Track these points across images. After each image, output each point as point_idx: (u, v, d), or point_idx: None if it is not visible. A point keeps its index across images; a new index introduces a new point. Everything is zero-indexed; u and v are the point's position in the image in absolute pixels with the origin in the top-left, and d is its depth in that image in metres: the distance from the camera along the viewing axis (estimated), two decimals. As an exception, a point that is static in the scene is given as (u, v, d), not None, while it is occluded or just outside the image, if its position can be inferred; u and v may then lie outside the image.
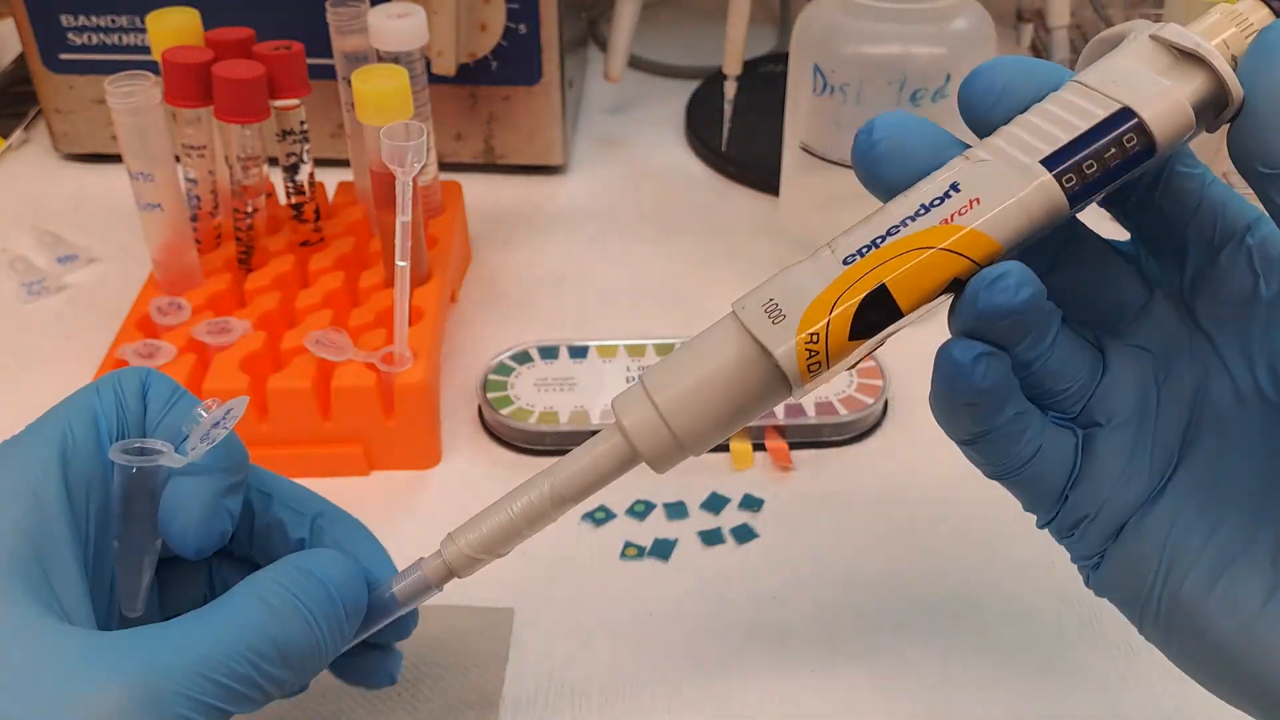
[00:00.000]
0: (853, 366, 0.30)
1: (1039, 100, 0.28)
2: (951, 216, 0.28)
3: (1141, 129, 0.26)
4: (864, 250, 0.29)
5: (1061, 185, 0.27)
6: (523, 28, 0.66)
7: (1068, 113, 0.27)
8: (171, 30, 0.53)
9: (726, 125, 0.72)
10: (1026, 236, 0.28)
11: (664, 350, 0.56)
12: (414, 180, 0.48)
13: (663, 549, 0.48)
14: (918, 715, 0.42)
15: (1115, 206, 0.31)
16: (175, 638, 0.28)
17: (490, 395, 0.53)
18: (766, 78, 0.80)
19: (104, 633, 0.29)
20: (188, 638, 0.28)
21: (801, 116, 0.57)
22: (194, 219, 0.56)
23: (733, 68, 0.70)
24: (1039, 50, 0.87)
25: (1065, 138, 0.27)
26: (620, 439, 0.31)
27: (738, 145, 0.73)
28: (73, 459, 0.31)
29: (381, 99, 0.50)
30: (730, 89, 0.71)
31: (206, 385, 0.49)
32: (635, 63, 0.82)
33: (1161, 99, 0.26)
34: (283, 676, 0.29)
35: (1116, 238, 0.32)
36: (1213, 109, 0.27)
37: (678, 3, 0.93)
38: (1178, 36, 0.27)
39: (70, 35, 0.67)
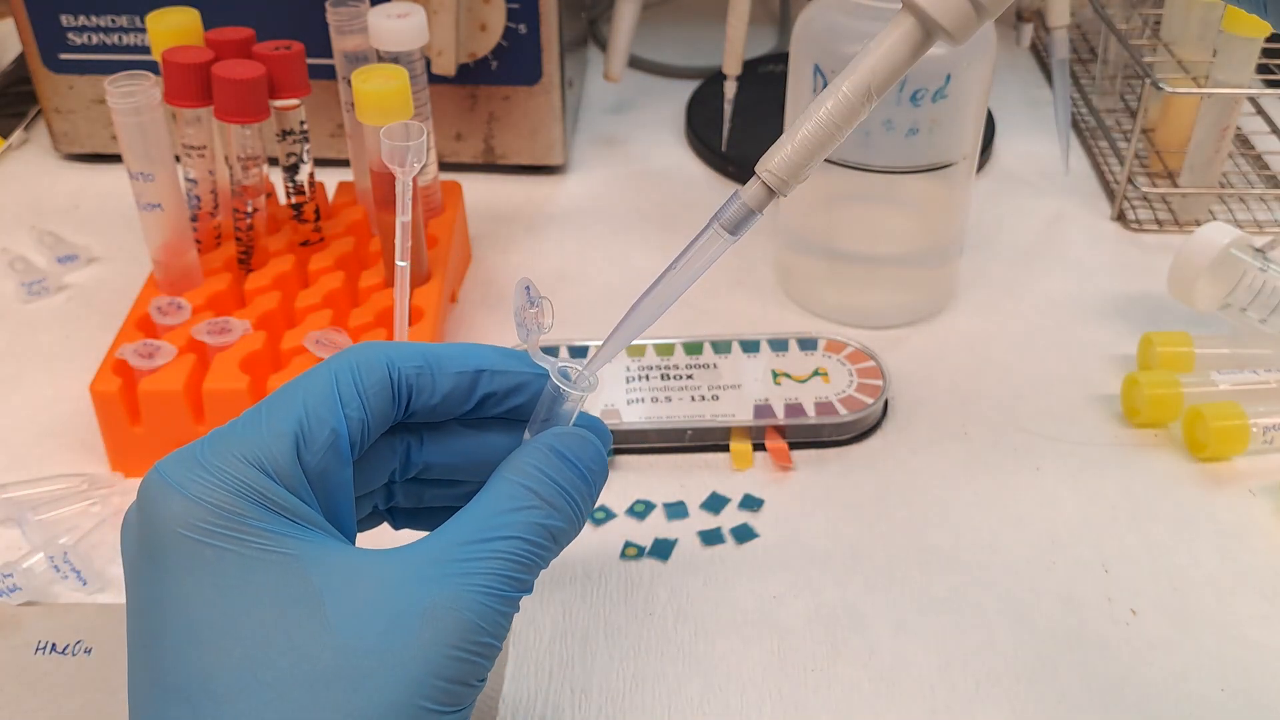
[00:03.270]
0: None
1: None
2: None
3: None
4: None
5: None
6: (523, 28, 0.66)
7: None
8: (171, 30, 0.53)
9: (726, 125, 0.72)
10: None
11: (664, 350, 0.56)
12: (414, 180, 0.48)
13: (663, 549, 0.48)
14: (917, 715, 0.42)
15: None
16: (468, 544, 0.31)
17: (490, 395, 0.53)
18: (766, 78, 0.80)
19: (405, 550, 0.31)
20: (479, 542, 0.31)
21: (802, 116, 0.57)
22: (194, 219, 0.56)
23: (733, 68, 0.70)
24: (1039, 50, 0.87)
25: None
26: (911, 21, 0.31)
27: (738, 145, 0.73)
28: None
29: (381, 99, 0.50)
30: (730, 89, 0.71)
31: (206, 385, 0.49)
32: (635, 63, 0.82)
33: None
34: (552, 552, 0.33)
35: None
36: None
37: (678, 3, 0.93)
38: None
39: (70, 35, 0.67)
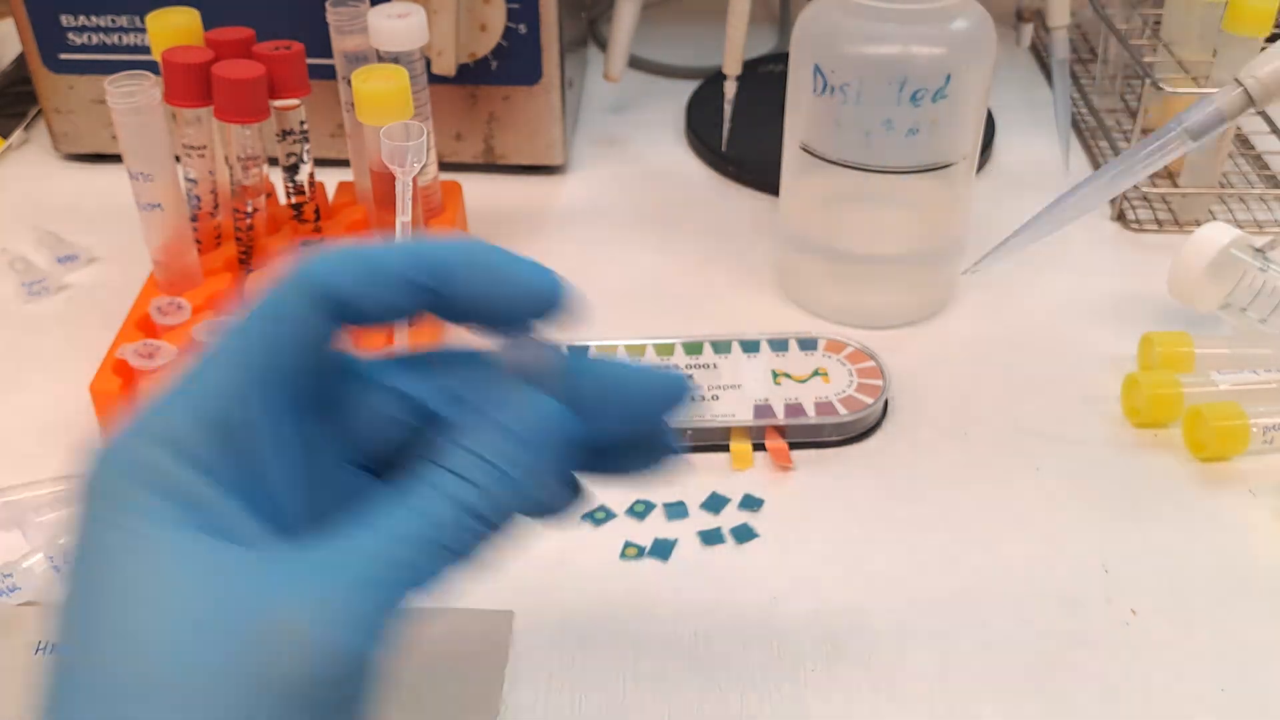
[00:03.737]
0: None
1: None
2: None
3: None
4: None
5: None
6: (523, 28, 0.66)
7: None
8: (171, 30, 0.53)
9: (726, 125, 0.72)
10: None
11: (664, 350, 0.56)
12: (414, 180, 0.48)
13: (663, 549, 0.48)
14: (917, 715, 0.42)
15: None
16: (355, 540, 0.26)
17: (490, 395, 0.53)
18: (767, 78, 0.80)
19: (275, 550, 0.26)
20: (372, 534, 0.26)
21: (802, 116, 0.57)
22: (194, 219, 0.56)
23: (733, 68, 0.70)
24: (1039, 50, 0.87)
25: None
26: None
27: (738, 145, 0.73)
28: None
29: (381, 99, 0.50)
30: (730, 89, 0.71)
31: (206, 385, 0.49)
32: (635, 63, 0.82)
33: None
34: (478, 530, 0.27)
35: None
36: None
37: (678, 3, 0.93)
38: None
39: (70, 35, 0.67)
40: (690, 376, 0.30)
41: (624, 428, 0.31)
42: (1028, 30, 0.80)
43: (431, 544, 0.26)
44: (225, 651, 0.24)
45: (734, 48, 0.70)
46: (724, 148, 0.73)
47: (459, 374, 0.31)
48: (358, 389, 0.30)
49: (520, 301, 0.30)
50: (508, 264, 0.29)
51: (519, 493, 0.27)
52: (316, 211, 0.57)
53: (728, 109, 0.72)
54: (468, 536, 0.27)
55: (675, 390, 0.31)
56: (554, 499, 0.31)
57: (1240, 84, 0.31)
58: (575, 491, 0.32)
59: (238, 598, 0.25)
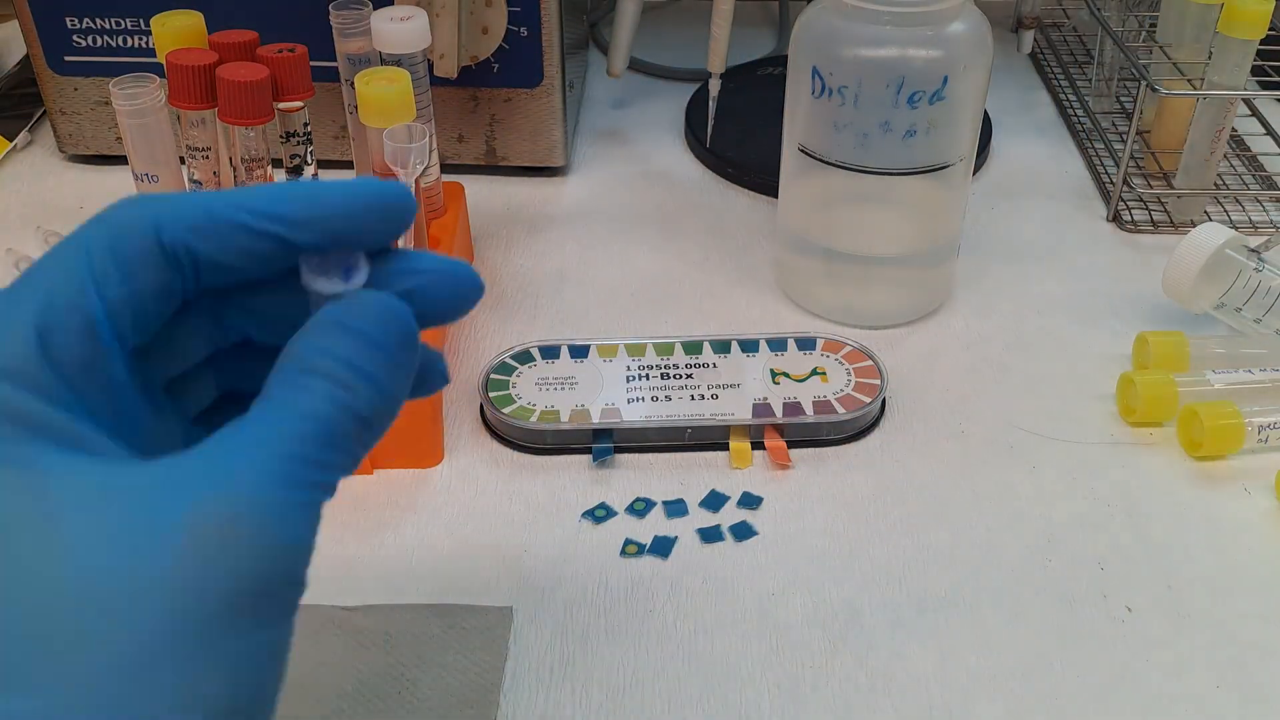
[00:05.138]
0: None
1: None
2: None
3: None
4: None
5: None
6: (524, 31, 0.66)
7: None
8: (176, 32, 0.54)
9: (710, 123, 0.73)
10: None
11: (664, 350, 0.56)
12: (416, 182, 0.49)
13: (662, 547, 0.48)
14: (914, 712, 0.42)
15: None
16: (247, 438, 0.25)
17: (492, 394, 0.54)
18: (765, 80, 0.81)
19: (174, 456, 0.25)
20: (262, 434, 0.25)
21: (800, 119, 0.57)
22: (198, 220, 0.56)
23: (717, 66, 0.71)
24: (1039, 57, 0.88)
25: None
26: None
27: (736, 147, 0.74)
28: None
29: (384, 101, 0.51)
30: (714, 87, 0.72)
31: (211, 385, 0.50)
32: (636, 65, 0.83)
33: None
34: (362, 433, 0.27)
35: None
36: None
37: (678, 6, 0.93)
38: None
39: (75, 37, 0.68)
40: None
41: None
42: (1028, 37, 0.81)
43: (325, 436, 0.25)
44: (154, 569, 0.23)
45: (718, 47, 0.70)
46: (708, 144, 0.73)
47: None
48: (178, 326, 0.29)
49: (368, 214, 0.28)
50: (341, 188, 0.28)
51: (394, 393, 0.27)
52: (319, 212, 0.58)
53: (712, 106, 0.72)
54: (357, 439, 0.26)
55: (466, 281, 0.30)
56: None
57: None
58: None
59: (149, 508, 0.24)
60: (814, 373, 0.55)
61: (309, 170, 0.56)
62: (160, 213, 0.27)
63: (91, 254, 0.27)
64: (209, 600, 0.23)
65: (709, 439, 0.53)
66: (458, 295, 0.30)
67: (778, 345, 0.57)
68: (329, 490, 0.26)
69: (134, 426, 0.27)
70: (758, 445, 0.53)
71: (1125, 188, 0.69)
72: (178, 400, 0.30)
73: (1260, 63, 0.68)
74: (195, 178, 0.56)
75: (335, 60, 0.58)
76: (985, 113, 0.74)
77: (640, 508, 0.50)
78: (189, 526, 0.23)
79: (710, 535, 0.49)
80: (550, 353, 0.56)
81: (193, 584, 0.23)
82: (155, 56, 0.55)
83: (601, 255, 0.66)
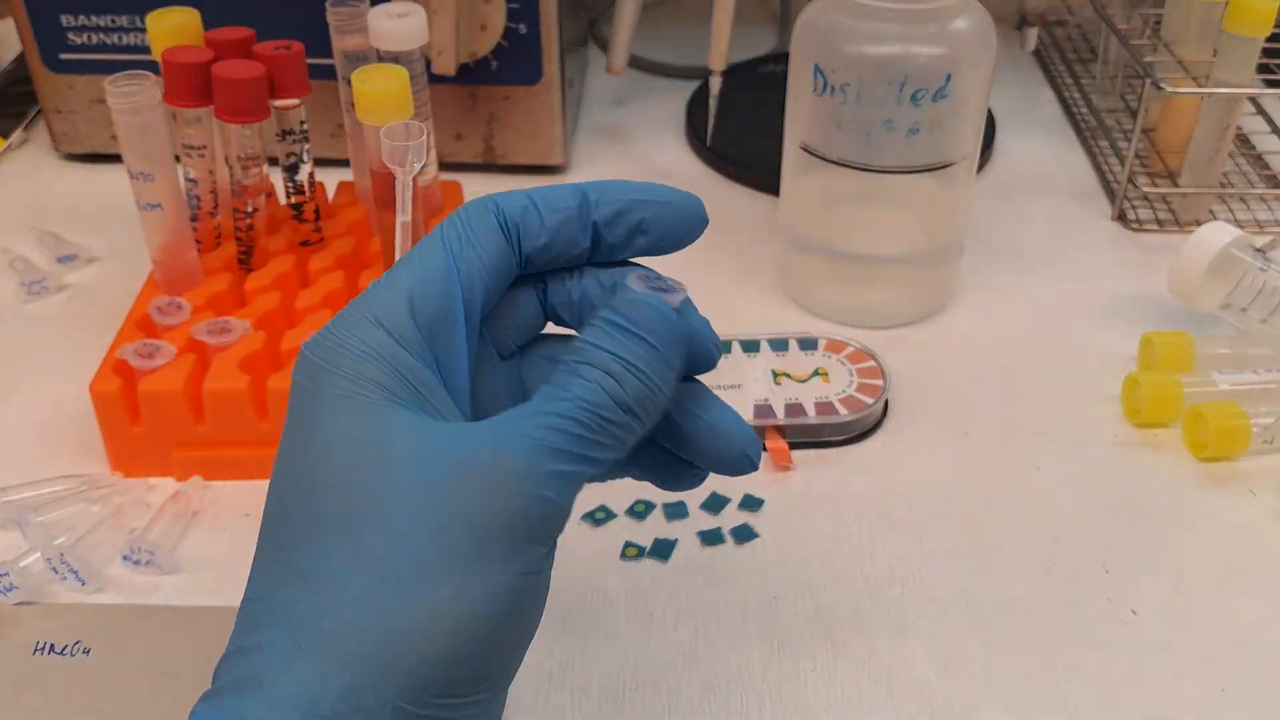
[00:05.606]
0: None
1: None
2: None
3: None
4: None
5: None
6: (523, 27, 0.66)
7: None
8: (171, 30, 0.53)
9: (711, 120, 0.73)
10: None
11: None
12: (414, 180, 0.48)
13: (663, 549, 0.48)
14: (917, 715, 0.42)
15: None
16: (527, 414, 0.31)
17: (490, 395, 0.53)
18: (767, 78, 0.80)
19: (472, 423, 0.32)
20: (539, 411, 0.31)
21: (802, 116, 0.57)
22: (194, 219, 0.56)
23: (718, 63, 0.71)
24: (1043, 55, 0.87)
25: None
26: None
27: (738, 145, 0.73)
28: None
29: (381, 99, 0.50)
30: (715, 84, 0.71)
31: (206, 385, 0.49)
32: (635, 63, 0.82)
33: None
34: (626, 422, 0.31)
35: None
36: None
37: (678, 3, 0.93)
38: None
39: (70, 35, 0.67)
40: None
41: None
42: (1032, 35, 0.80)
43: (592, 416, 0.31)
44: (433, 481, 0.30)
45: (719, 43, 0.70)
46: (709, 143, 0.73)
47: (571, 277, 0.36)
48: (509, 294, 0.35)
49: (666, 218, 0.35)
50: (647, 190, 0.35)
51: (657, 390, 0.32)
52: (316, 211, 0.57)
53: (713, 104, 0.72)
54: (621, 426, 0.31)
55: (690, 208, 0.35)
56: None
57: None
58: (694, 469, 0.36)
59: (444, 447, 0.30)
60: (816, 373, 0.55)
61: (305, 168, 0.56)
62: (498, 198, 0.34)
63: (446, 233, 0.33)
64: (468, 526, 0.29)
65: (710, 440, 0.52)
66: (684, 226, 0.35)
67: (779, 345, 0.56)
68: (593, 465, 0.31)
69: (471, 383, 0.33)
70: (759, 446, 0.53)
71: (1130, 186, 0.69)
72: (515, 374, 0.37)
73: (1266, 60, 0.68)
74: (191, 175, 0.56)
75: (332, 57, 0.58)
76: (989, 111, 0.74)
77: (640, 510, 0.50)
78: (462, 468, 0.30)
79: (711, 538, 0.49)
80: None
81: (457, 511, 0.29)
82: (151, 54, 0.55)
83: (601, 254, 0.66)
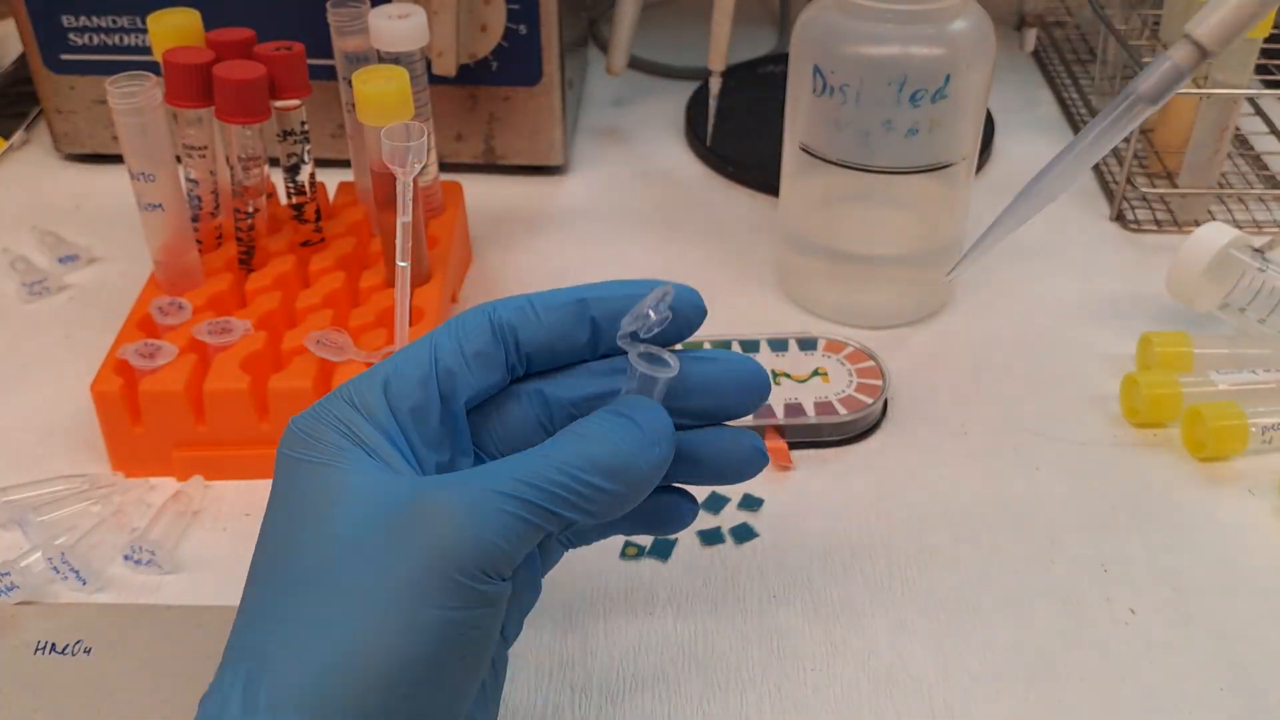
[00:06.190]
0: None
1: None
2: None
3: None
4: None
5: None
6: (523, 28, 0.66)
7: None
8: (172, 31, 0.53)
9: (711, 121, 0.73)
10: None
11: (664, 350, 0.56)
12: (414, 181, 0.48)
13: (662, 548, 0.48)
14: (916, 715, 0.42)
15: None
16: (491, 465, 0.33)
17: (490, 395, 0.53)
18: (766, 78, 0.80)
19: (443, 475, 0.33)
20: (504, 462, 0.32)
21: (801, 117, 0.57)
22: (195, 219, 0.56)
23: (718, 64, 0.71)
24: (1042, 55, 0.87)
25: None
26: None
27: (737, 145, 0.73)
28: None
29: (382, 100, 0.50)
30: (715, 85, 0.71)
31: (207, 385, 0.49)
32: (635, 63, 0.82)
33: None
34: (594, 481, 0.32)
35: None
36: None
37: (678, 4, 0.93)
38: None
39: (71, 36, 0.67)
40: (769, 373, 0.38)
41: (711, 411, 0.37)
42: (1031, 35, 0.80)
43: (560, 473, 0.32)
44: (386, 523, 0.31)
45: (719, 44, 0.70)
46: (709, 143, 0.73)
47: (567, 378, 0.37)
48: (507, 391, 0.37)
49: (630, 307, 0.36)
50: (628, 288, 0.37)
51: (634, 462, 0.33)
52: (317, 212, 0.57)
53: (713, 104, 0.72)
54: (588, 485, 0.32)
55: (754, 380, 0.37)
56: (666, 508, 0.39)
57: (1189, 37, 0.31)
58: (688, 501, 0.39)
59: (399, 493, 0.32)
60: (815, 373, 0.55)
61: (306, 169, 0.56)
62: (496, 303, 0.36)
63: (435, 334, 0.35)
64: (399, 561, 0.30)
65: (709, 440, 0.52)
66: (744, 388, 0.37)
67: (779, 345, 0.57)
68: (551, 522, 0.31)
69: (446, 460, 0.35)
70: (758, 446, 0.53)
71: (1129, 187, 0.69)
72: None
73: (1264, 61, 0.68)
74: (192, 176, 0.56)
75: (333, 58, 0.58)
76: (988, 111, 0.74)
77: (640, 509, 0.50)
78: (405, 506, 0.31)
79: (710, 537, 0.49)
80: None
81: (391, 546, 0.30)
82: (152, 55, 0.55)
83: (601, 255, 0.66)
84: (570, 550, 0.41)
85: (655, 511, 0.38)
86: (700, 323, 0.37)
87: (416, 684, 0.30)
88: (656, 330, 0.35)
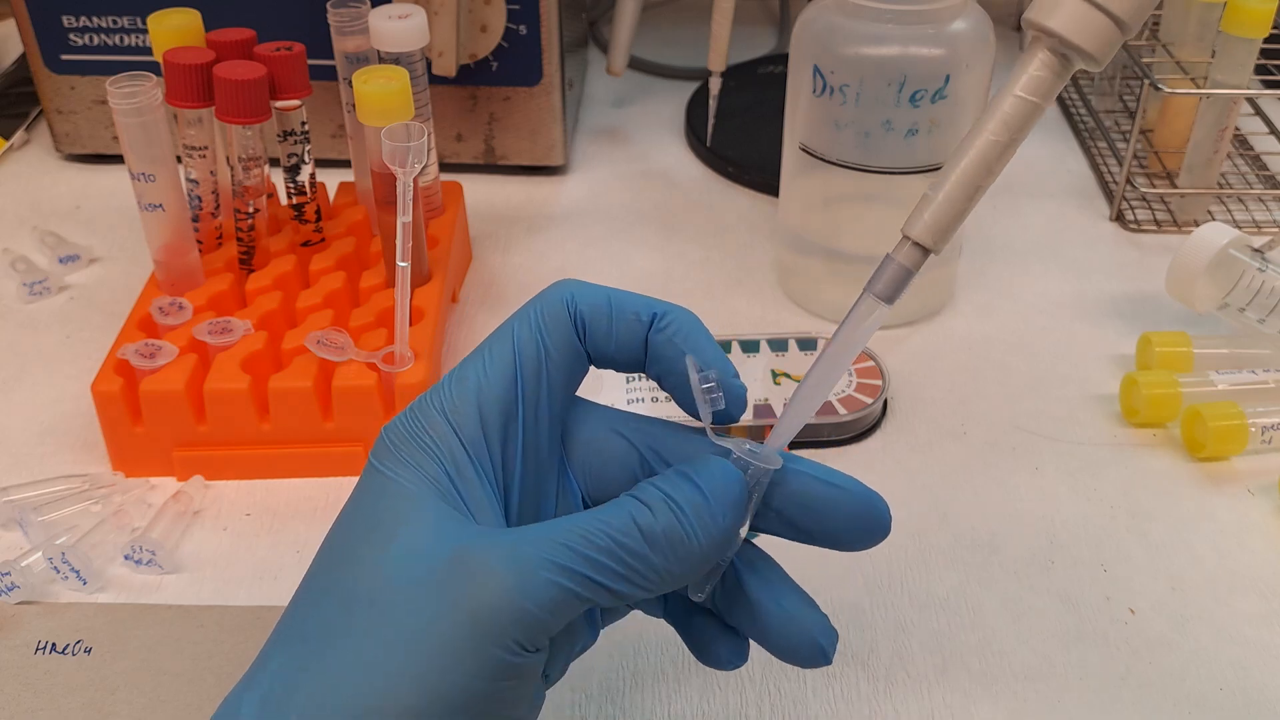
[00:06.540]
0: None
1: None
2: None
3: None
4: None
5: None
6: (523, 29, 0.66)
7: None
8: (173, 31, 0.54)
9: (711, 121, 0.73)
10: None
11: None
12: (415, 181, 0.48)
13: (663, 549, 0.48)
14: (916, 715, 0.42)
15: None
16: (548, 524, 0.31)
17: (491, 395, 0.53)
18: (766, 78, 0.80)
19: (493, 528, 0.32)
20: (559, 523, 0.31)
21: (801, 117, 0.57)
22: (195, 219, 0.56)
23: (717, 64, 0.71)
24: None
25: None
26: (1045, 52, 0.30)
27: (737, 145, 0.73)
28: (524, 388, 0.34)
29: (382, 100, 0.51)
30: (715, 85, 0.72)
31: (207, 385, 0.49)
32: (635, 64, 0.83)
33: None
34: (646, 555, 0.30)
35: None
36: None
37: (678, 4, 0.93)
38: None
39: (72, 36, 0.67)
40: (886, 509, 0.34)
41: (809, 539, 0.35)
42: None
43: (607, 538, 0.30)
44: (427, 568, 0.30)
45: (719, 45, 0.70)
46: (709, 143, 0.73)
47: (670, 436, 0.35)
48: (591, 428, 0.35)
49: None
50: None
51: (692, 535, 0.31)
52: (317, 212, 0.58)
53: (712, 105, 0.72)
54: (639, 558, 0.30)
55: (872, 522, 0.34)
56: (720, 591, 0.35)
57: (908, 238, 0.32)
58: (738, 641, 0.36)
59: (449, 540, 0.30)
60: (815, 373, 0.55)
61: (306, 169, 0.56)
62: (576, 290, 0.34)
63: (515, 324, 0.34)
64: (440, 621, 0.29)
65: (709, 440, 0.53)
66: (857, 521, 0.34)
67: (779, 345, 0.57)
68: (598, 591, 0.30)
69: (530, 486, 0.34)
70: (758, 446, 0.53)
71: (1128, 187, 0.69)
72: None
73: (1264, 61, 0.68)
74: (192, 176, 0.56)
75: (333, 58, 0.58)
76: (987, 112, 0.74)
77: (640, 509, 0.50)
78: (454, 556, 0.30)
79: (711, 537, 0.49)
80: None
81: (431, 603, 0.29)
82: (152, 55, 0.55)
83: (601, 255, 0.66)
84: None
85: (709, 639, 0.36)
86: (877, 536, 0.34)
87: None
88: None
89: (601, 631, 0.45)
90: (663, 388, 0.35)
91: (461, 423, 0.32)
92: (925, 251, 0.32)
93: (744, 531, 0.33)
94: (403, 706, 0.29)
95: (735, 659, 0.36)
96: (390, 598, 0.30)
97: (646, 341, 0.34)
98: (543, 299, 0.34)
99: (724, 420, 0.34)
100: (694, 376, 0.33)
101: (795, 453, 0.53)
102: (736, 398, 0.34)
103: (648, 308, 0.34)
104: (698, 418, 0.33)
